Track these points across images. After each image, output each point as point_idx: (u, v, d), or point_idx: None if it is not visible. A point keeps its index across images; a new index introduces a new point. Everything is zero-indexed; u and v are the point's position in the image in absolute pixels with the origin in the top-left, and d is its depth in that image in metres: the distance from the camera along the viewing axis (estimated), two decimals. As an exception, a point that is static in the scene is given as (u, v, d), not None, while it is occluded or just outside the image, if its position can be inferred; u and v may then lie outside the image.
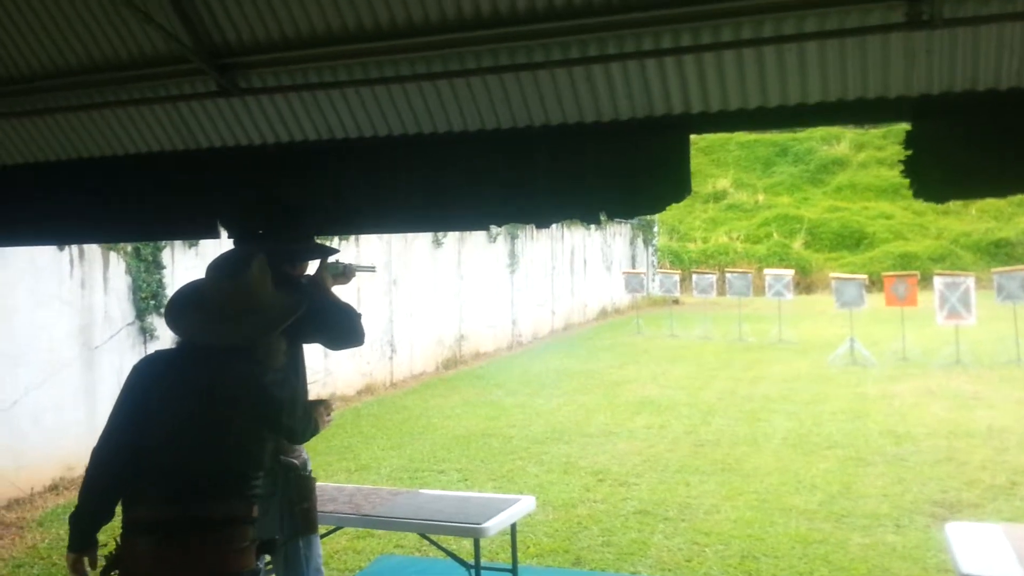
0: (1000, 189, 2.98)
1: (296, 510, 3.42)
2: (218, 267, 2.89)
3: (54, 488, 7.19)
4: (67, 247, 7.44)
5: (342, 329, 3.59)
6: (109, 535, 2.77)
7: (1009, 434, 8.87)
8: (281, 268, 3.44)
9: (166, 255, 8.53)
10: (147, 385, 2.78)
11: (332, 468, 8.05)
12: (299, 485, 3.47)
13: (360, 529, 5.63)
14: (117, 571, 2.68)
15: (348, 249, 11.86)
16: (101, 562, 2.75)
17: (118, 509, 2.76)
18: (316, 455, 8.43)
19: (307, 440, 3.23)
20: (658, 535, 6.08)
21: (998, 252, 27.53)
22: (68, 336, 7.50)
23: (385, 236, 12.75)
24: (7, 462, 6.83)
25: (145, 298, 8.22)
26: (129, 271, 8.15)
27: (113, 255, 8.00)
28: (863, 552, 5.70)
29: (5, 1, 3.36)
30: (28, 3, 3.36)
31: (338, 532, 5.23)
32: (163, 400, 2.73)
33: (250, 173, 3.84)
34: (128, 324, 8.10)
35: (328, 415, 3.33)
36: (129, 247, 8.13)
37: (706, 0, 2.78)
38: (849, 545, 5.84)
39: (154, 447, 2.69)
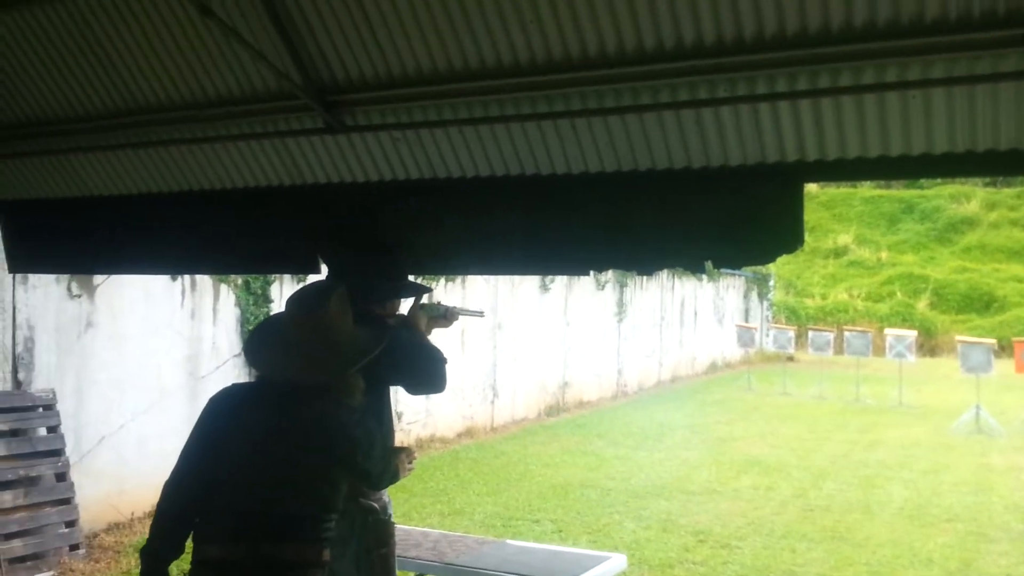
0: None
1: (373, 556, 3.33)
2: (297, 301, 2.84)
3: (153, 514, 7.30)
4: (179, 278, 7.68)
5: (422, 373, 3.48)
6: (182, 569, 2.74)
7: None
8: (368, 305, 3.40)
9: (275, 289, 8.71)
10: (221, 419, 2.74)
11: (426, 511, 7.99)
12: (377, 529, 3.39)
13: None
14: None
15: (454, 291, 11.91)
16: None
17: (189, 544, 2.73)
18: (411, 496, 8.42)
19: (385, 487, 3.15)
20: (759, 604, 5.78)
21: None
22: (176, 365, 7.70)
23: (491, 279, 12.77)
24: (110, 485, 7.00)
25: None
26: (238, 303, 8.35)
27: (224, 287, 8.22)
28: (983, 638, 5.28)
29: (125, 35, 3.47)
30: (147, 37, 3.47)
31: (423, 578, 5.15)
32: (236, 435, 2.68)
33: (352, 210, 3.85)
34: (234, 355, 8.27)
35: (410, 463, 3.23)
36: (239, 280, 8.34)
37: (825, 43, 2.64)
38: (968, 629, 5.42)
39: (225, 483, 2.64)
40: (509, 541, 4.67)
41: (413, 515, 7.72)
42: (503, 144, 3.40)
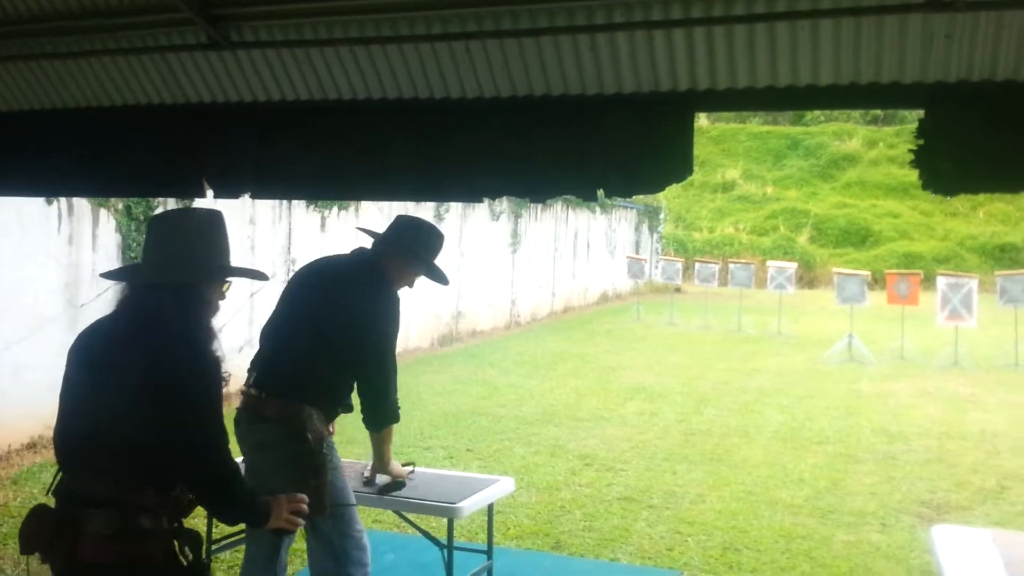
0: (1013, 184, 2.86)
1: (306, 488, 3.22)
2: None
3: (32, 446, 7.09)
4: (56, 201, 7.31)
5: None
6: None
7: (1002, 438, 8.79)
8: (396, 270, 3.72)
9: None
10: (75, 353, 2.57)
11: (318, 438, 7.96)
12: (306, 460, 3.29)
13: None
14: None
15: (347, 218, 11.74)
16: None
17: None
18: (303, 424, 8.37)
19: (214, 493, 2.55)
20: (641, 522, 6.00)
21: (1003, 256, 27.43)
22: (53, 292, 7.38)
23: (385, 207, 12.63)
24: (-16, 417, 6.75)
25: (135, 257, 8.09)
26: (119, 229, 8.03)
27: (103, 212, 7.88)
28: (846, 550, 5.62)
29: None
30: (12, -60, 3.23)
31: (317, 503, 5.14)
32: (80, 366, 2.53)
33: (240, 130, 3.72)
34: (115, 283, 7.98)
35: (291, 508, 2.71)
36: (120, 204, 8.00)
37: (719, -30, 2.66)
38: (833, 542, 5.76)
39: (68, 415, 2.53)
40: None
41: (304, 443, 7.68)
42: (396, 66, 3.32)
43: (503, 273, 16.97)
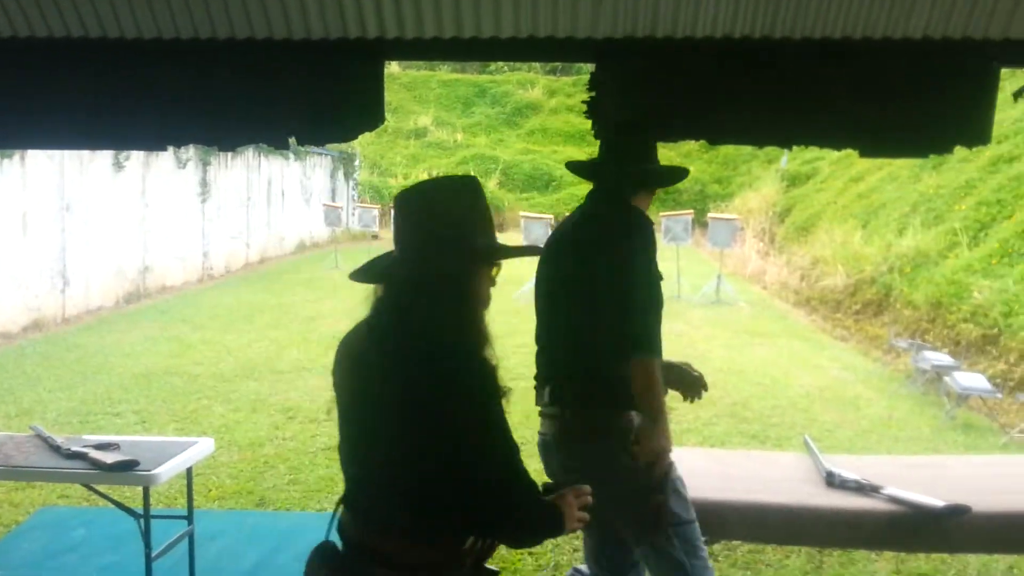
0: (667, 134, 3.16)
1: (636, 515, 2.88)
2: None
3: None
4: None
5: None
6: None
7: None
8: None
9: None
10: (336, 378, 2.17)
11: (-13, 412, 7.25)
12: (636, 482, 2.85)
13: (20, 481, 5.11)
14: None
15: (12, 168, 10.62)
16: None
17: None
18: (-34, 399, 7.56)
19: (505, 534, 2.09)
20: (348, 469, 6.06)
21: (667, 198, 30.08)
22: None
23: (56, 155, 11.54)
24: None
25: None
26: None
27: None
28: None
29: None
30: None
31: (-11, 484, 4.72)
32: (340, 388, 2.15)
33: None
34: None
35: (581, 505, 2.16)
36: None
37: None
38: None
39: (343, 447, 2.15)
40: (86, 437, 4.36)
41: (-30, 419, 6.97)
42: (62, 0, 3.05)
43: (193, 224, 16.15)
